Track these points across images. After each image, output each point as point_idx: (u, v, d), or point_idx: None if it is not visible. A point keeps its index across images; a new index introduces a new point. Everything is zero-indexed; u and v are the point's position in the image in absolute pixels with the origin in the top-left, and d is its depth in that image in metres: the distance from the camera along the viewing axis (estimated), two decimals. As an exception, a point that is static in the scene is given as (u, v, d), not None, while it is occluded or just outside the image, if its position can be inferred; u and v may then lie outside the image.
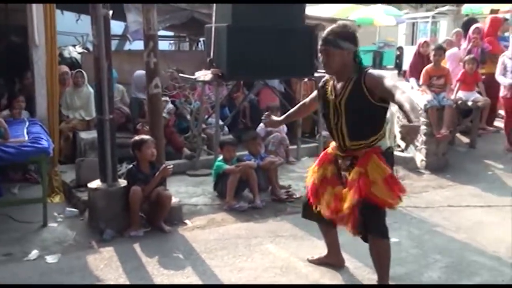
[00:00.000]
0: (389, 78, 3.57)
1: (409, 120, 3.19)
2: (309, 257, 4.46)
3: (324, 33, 3.71)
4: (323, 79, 3.94)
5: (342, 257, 4.36)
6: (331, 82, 3.80)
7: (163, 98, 7.74)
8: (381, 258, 3.78)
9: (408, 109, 3.23)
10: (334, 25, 3.70)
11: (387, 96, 3.47)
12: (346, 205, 3.65)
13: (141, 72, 7.39)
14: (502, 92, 7.92)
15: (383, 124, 3.76)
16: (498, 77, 7.94)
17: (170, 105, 7.82)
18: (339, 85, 3.71)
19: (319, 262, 4.38)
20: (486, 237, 4.98)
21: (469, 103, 7.99)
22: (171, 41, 14.82)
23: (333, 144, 3.91)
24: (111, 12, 5.18)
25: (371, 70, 3.63)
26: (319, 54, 3.77)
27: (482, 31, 8.82)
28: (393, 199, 3.60)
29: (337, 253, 4.33)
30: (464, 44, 8.96)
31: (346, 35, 3.63)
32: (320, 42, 3.71)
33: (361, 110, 3.60)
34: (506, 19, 9.76)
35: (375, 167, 3.59)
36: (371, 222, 3.63)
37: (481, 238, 4.94)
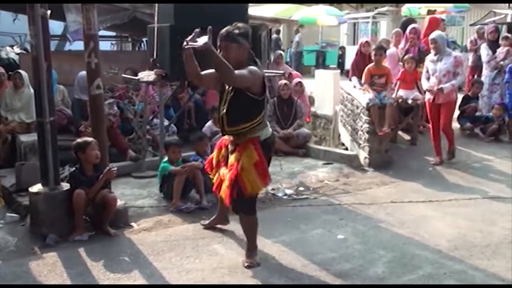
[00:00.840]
0: (253, 76, 4.10)
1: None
2: (201, 222, 5.25)
3: (222, 31, 4.19)
4: None
5: (228, 218, 5.12)
6: None
7: (110, 100, 7.63)
8: (248, 230, 4.47)
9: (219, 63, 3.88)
10: (230, 26, 4.23)
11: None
12: (224, 185, 4.32)
13: (84, 73, 7.22)
14: (426, 97, 7.71)
15: (258, 114, 4.25)
16: (422, 81, 7.70)
17: (115, 107, 7.68)
18: None
19: (210, 225, 5.16)
20: (428, 231, 5.12)
21: (409, 101, 8.22)
22: (113, 42, 14.56)
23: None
24: (49, 12, 5.03)
25: (252, 65, 4.16)
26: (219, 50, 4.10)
27: (419, 31, 9.07)
28: (259, 184, 4.27)
29: (224, 216, 5.12)
30: (402, 44, 9.19)
31: (243, 33, 4.18)
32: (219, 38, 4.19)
33: (238, 100, 4.15)
34: (443, 20, 10.08)
35: (249, 155, 4.20)
36: (239, 203, 4.31)
37: (423, 232, 5.09)
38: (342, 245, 4.82)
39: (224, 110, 4.23)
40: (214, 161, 4.68)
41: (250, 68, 4.11)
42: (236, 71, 3.95)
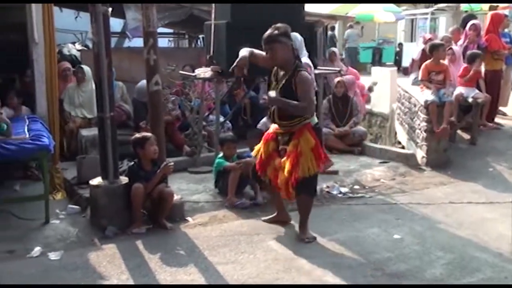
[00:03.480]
0: (311, 88, 4.68)
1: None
2: (262, 218, 5.29)
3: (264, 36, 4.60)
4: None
5: (288, 214, 5.22)
6: (274, 69, 4.74)
7: (171, 97, 7.76)
8: (305, 210, 4.83)
9: (292, 104, 4.49)
10: (269, 29, 4.63)
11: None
12: (284, 172, 4.64)
13: (145, 82, 7.37)
14: None
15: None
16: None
17: (178, 110, 7.83)
18: (281, 73, 4.67)
19: (271, 220, 5.23)
20: (488, 233, 4.97)
21: (470, 100, 7.98)
22: (170, 38, 14.80)
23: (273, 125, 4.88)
24: (110, 10, 5.16)
25: (303, 72, 4.58)
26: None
27: (479, 28, 8.80)
28: (316, 166, 4.66)
29: (283, 211, 5.22)
30: (461, 41, 8.95)
31: (283, 32, 4.58)
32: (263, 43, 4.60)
33: (287, 98, 4.53)
34: (506, 15, 9.74)
35: (306, 140, 4.60)
36: (299, 185, 4.61)
37: (483, 235, 4.94)
38: (399, 245, 4.74)
39: (275, 107, 4.65)
40: (263, 156, 4.87)
41: (305, 80, 4.56)
42: (304, 102, 4.49)
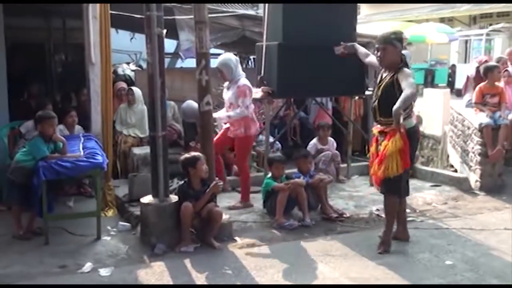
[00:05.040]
0: (411, 77, 4.80)
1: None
2: (378, 234, 5.27)
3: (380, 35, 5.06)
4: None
5: (407, 232, 5.31)
6: (381, 71, 5.09)
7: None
8: (388, 211, 5.05)
9: (401, 99, 4.59)
10: (387, 31, 5.23)
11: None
12: (373, 169, 5.04)
13: (187, 102, 7.51)
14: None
15: (406, 108, 4.82)
16: None
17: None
18: (385, 74, 5.01)
19: (391, 236, 5.21)
20: (545, 260, 4.79)
21: (527, 122, 7.74)
22: (222, 59, 14.96)
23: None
24: (165, 31, 5.28)
25: (405, 68, 4.88)
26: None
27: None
28: (400, 168, 4.83)
29: (402, 228, 5.30)
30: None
31: (398, 37, 4.95)
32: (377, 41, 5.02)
33: (389, 94, 4.82)
34: None
35: (396, 141, 4.78)
36: (384, 185, 4.96)
37: (540, 262, 4.76)
38: (450, 271, 4.61)
39: (376, 102, 5.00)
40: (372, 158, 5.23)
41: (407, 72, 4.82)
42: (410, 89, 4.66)
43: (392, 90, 4.85)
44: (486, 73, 7.65)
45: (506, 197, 6.81)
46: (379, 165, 4.91)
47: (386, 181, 4.92)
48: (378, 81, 5.13)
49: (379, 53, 4.95)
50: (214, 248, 5.08)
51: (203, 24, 5.53)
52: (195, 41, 5.60)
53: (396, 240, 5.21)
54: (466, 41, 20.81)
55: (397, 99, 4.67)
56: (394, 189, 4.97)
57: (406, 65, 4.96)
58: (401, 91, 4.72)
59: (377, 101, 5.02)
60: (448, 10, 23.03)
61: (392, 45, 4.88)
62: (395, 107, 4.56)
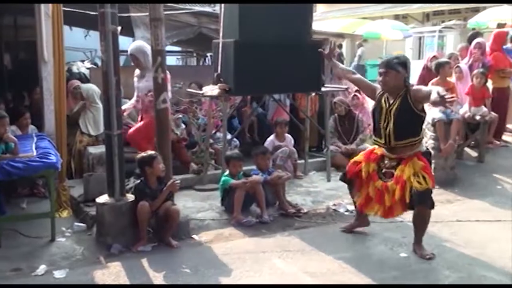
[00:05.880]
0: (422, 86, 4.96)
1: (441, 96, 4.40)
2: (340, 227, 5.52)
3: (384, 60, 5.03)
4: (379, 91, 5.02)
5: (368, 220, 5.41)
6: (385, 95, 4.94)
7: (178, 115, 7.80)
8: (422, 224, 4.89)
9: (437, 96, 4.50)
10: (392, 56, 5.20)
11: (426, 100, 4.70)
12: (396, 197, 4.81)
13: None
14: None
15: (421, 129, 4.96)
16: None
17: (182, 125, 7.85)
18: (391, 100, 4.88)
19: (351, 227, 5.46)
20: (495, 252, 4.93)
21: (477, 117, 7.97)
22: (179, 56, 14.90)
23: (378, 146, 5.06)
24: (119, 28, 5.22)
25: (414, 87, 4.96)
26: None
27: (484, 46, 8.81)
28: (431, 181, 4.75)
29: (365, 218, 5.40)
30: (466, 59, 8.95)
31: (401, 62, 4.88)
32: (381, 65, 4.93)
33: (406, 116, 4.79)
34: (508, 33, 9.76)
35: (415, 163, 4.78)
36: (417, 198, 4.71)
37: (491, 253, 4.90)
38: (405, 263, 4.71)
39: (392, 126, 4.83)
40: (363, 175, 5.09)
41: (419, 87, 4.98)
42: (431, 94, 4.57)
43: (408, 110, 4.80)
44: (437, 69, 7.84)
45: (458, 190, 6.99)
46: (402, 190, 4.77)
47: (416, 194, 4.70)
48: (383, 105, 4.94)
49: (381, 78, 4.89)
50: (172, 247, 5.05)
51: (159, 21, 5.47)
52: (151, 38, 5.55)
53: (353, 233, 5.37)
54: (420, 38, 21.19)
55: (415, 118, 4.80)
56: (425, 200, 4.77)
57: (408, 89, 4.88)
58: (419, 108, 4.82)
59: (391, 126, 4.85)
60: (401, 8, 23.48)
61: (394, 70, 4.82)
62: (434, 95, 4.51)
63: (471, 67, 8.54)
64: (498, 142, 8.57)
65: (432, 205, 4.83)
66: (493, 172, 7.61)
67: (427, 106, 7.69)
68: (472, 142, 8.41)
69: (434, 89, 4.62)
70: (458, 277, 4.41)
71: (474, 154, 8.33)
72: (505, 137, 8.94)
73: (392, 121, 4.84)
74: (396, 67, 4.83)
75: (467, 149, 8.39)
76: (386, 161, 4.99)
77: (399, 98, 4.84)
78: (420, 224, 4.89)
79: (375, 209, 5.08)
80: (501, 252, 4.92)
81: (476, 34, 10.15)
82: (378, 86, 5.11)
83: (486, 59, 8.62)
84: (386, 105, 4.91)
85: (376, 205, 5.05)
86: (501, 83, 8.67)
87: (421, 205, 4.76)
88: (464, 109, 8.04)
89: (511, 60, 8.94)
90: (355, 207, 5.44)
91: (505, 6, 16.96)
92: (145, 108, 6.56)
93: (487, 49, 8.84)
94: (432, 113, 7.48)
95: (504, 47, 9.14)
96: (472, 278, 4.40)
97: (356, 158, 5.31)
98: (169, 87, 6.10)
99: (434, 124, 7.36)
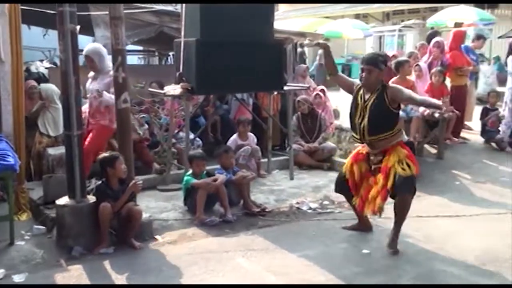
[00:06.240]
0: (403, 88, 5.01)
1: (437, 107, 4.94)
2: (342, 226, 5.58)
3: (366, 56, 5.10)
4: (356, 85, 5.08)
5: (370, 224, 5.48)
6: (361, 91, 5.00)
7: (141, 115, 7.72)
8: (402, 211, 4.94)
9: (431, 102, 4.97)
10: (373, 53, 5.35)
11: (410, 102, 4.94)
12: (380, 185, 4.89)
13: None
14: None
15: (396, 123, 4.96)
16: None
17: (145, 125, 7.78)
18: (367, 95, 4.94)
19: (352, 228, 5.50)
20: (455, 246, 5.04)
21: (436, 115, 8.12)
22: (140, 56, 14.75)
23: (355, 141, 5.20)
24: (78, 27, 5.14)
25: (391, 84, 5.12)
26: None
27: (443, 45, 8.99)
28: (414, 168, 4.85)
29: (366, 221, 5.45)
30: (425, 57, 9.12)
31: (383, 60, 4.98)
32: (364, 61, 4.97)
33: (380, 112, 4.85)
34: (466, 32, 10.00)
35: (399, 151, 4.88)
36: (399, 185, 4.79)
37: (451, 248, 5.01)
38: (367, 260, 4.78)
39: (365, 122, 4.89)
40: (356, 177, 5.12)
41: (398, 87, 5.01)
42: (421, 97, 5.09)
43: (383, 106, 4.86)
44: (397, 68, 7.97)
45: (418, 186, 6.96)
46: (385, 178, 4.85)
47: (400, 180, 4.77)
48: (359, 101, 5.00)
49: (363, 74, 4.91)
50: (135, 248, 4.99)
51: (119, 20, 5.40)
52: (111, 37, 5.48)
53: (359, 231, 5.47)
54: (380, 37, 21.51)
55: (389, 113, 4.86)
56: (409, 187, 4.85)
57: (385, 86, 4.97)
58: (394, 106, 4.88)
59: (365, 121, 4.91)
60: (362, 7, 23.79)
61: (378, 68, 4.88)
62: (421, 97, 4.84)
63: (430, 66, 8.71)
64: (456, 139, 8.76)
65: (414, 192, 4.92)
66: (452, 169, 7.77)
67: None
68: (431, 139, 8.57)
69: (417, 96, 4.84)
70: (418, 272, 4.49)
71: (433, 151, 8.49)
72: (463, 134, 9.14)
73: (366, 117, 4.90)
74: (380, 65, 4.90)
75: (426, 146, 8.54)
76: (372, 157, 5.05)
77: (375, 94, 4.89)
78: (400, 211, 4.94)
79: (367, 207, 5.13)
80: (460, 246, 5.04)
81: (435, 33, 10.36)
82: (355, 81, 5.21)
83: (445, 58, 8.80)
84: (361, 101, 4.97)
85: (366, 202, 5.11)
86: (459, 81, 8.85)
87: (404, 191, 4.83)
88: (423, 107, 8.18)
89: (468, 59, 9.15)
90: (355, 211, 5.41)
91: (462, 6, 17.37)
92: (92, 111, 6.37)
93: (446, 47, 9.02)
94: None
95: (462, 46, 9.34)
96: (432, 272, 4.49)
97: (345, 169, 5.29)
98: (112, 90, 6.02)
99: (394, 122, 7.45)
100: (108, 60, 6.10)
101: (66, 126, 5.12)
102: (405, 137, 5.06)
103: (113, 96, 5.95)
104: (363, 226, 5.47)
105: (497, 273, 4.45)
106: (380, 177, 4.91)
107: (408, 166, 4.81)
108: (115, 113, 5.64)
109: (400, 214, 4.95)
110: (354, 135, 5.10)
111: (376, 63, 4.89)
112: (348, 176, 5.19)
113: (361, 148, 5.18)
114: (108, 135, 6.49)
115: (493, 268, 4.54)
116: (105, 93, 6.07)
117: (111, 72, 5.96)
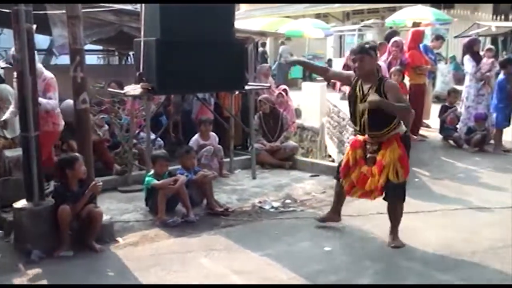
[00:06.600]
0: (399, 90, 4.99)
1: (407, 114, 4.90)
2: (315, 217, 5.67)
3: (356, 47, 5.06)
4: (354, 77, 5.08)
5: (339, 216, 5.55)
6: (359, 82, 4.98)
7: (101, 116, 7.61)
8: (396, 215, 5.09)
9: (397, 104, 4.72)
10: (362, 42, 5.48)
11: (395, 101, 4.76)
12: (372, 179, 5.00)
13: (66, 101, 7.16)
14: None
15: (395, 117, 4.88)
16: None
17: (105, 126, 7.67)
18: (366, 86, 4.92)
19: (323, 218, 5.59)
20: (414, 242, 5.12)
21: (395, 113, 8.24)
22: (100, 55, 14.56)
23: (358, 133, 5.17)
24: (34, 26, 5.03)
25: (389, 80, 5.05)
26: None
27: (401, 44, 9.14)
28: (403, 174, 4.94)
29: (337, 212, 5.54)
30: (384, 56, 9.26)
31: (373, 47, 4.98)
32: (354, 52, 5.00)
33: (379, 109, 4.75)
34: (424, 31, 10.20)
35: (394, 150, 4.90)
36: (389, 191, 4.97)
37: (410, 243, 5.09)
38: (329, 257, 4.82)
39: (366, 117, 4.90)
40: (351, 162, 5.19)
41: (394, 85, 4.99)
42: (403, 103, 4.82)
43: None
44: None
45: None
46: (380, 174, 4.93)
47: (394, 187, 4.92)
48: (358, 93, 5.00)
49: (356, 64, 4.93)
50: (95, 251, 4.92)
51: (76, 19, 5.31)
52: (68, 36, 5.38)
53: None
54: (341, 36, 21.74)
55: (388, 114, 4.82)
56: (401, 194, 5.02)
57: (379, 73, 5.01)
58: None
59: (365, 117, 4.92)
60: (322, 6, 24.02)
61: (369, 55, 4.89)
62: (386, 103, 4.69)
63: (389, 65, 8.84)
64: (415, 137, 8.90)
65: (404, 197, 5.06)
66: (411, 166, 7.76)
67: (347, 103, 7.99)
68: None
69: (400, 105, 4.73)
70: (379, 268, 4.55)
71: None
72: (422, 131, 9.32)
73: (366, 112, 4.91)
74: (369, 51, 4.91)
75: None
76: (368, 146, 5.09)
77: (374, 87, 4.88)
78: (394, 216, 5.09)
79: (358, 193, 5.26)
80: (420, 242, 5.12)
81: (393, 32, 10.53)
82: (351, 73, 5.22)
83: (404, 57, 8.94)
84: (360, 93, 4.97)
85: (358, 188, 5.21)
86: (418, 80, 9.01)
87: (394, 199, 5.01)
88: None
89: (427, 58, 9.34)
90: (336, 196, 5.52)
91: (419, 6, 17.72)
92: None
93: (405, 47, 9.17)
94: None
95: (421, 45, 9.52)
96: (393, 268, 4.57)
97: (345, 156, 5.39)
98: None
99: (354, 121, 7.54)
100: (39, 63, 5.96)
101: (23, 127, 5.01)
102: (404, 128, 5.05)
103: (51, 101, 5.90)
104: (334, 215, 5.54)
105: (455, 267, 4.55)
106: (375, 170, 4.99)
107: (398, 173, 4.90)
108: (74, 114, 5.54)
109: (394, 219, 5.12)
110: (354, 126, 5.19)
111: (366, 50, 4.92)
112: (344, 160, 5.31)
113: (359, 135, 5.26)
114: (54, 139, 6.43)
115: (451, 263, 4.64)
116: (40, 99, 5.92)
117: (45, 75, 5.99)
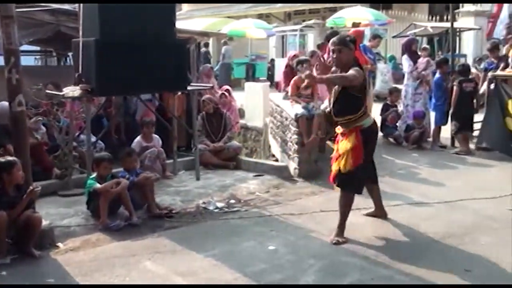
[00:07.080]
0: (356, 72, 4.95)
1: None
2: (363, 213, 5.81)
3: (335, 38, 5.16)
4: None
5: (385, 210, 5.76)
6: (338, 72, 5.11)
7: (38, 118, 7.40)
8: (342, 206, 5.21)
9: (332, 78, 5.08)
10: (340, 34, 5.76)
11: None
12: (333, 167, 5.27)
13: (2, 103, 6.93)
14: None
15: (360, 108, 5.07)
16: None
17: (43, 128, 7.47)
18: None
19: (369, 214, 5.79)
20: (356, 238, 5.22)
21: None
22: (37, 56, 14.16)
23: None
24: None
25: (355, 67, 5.01)
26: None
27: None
28: (351, 164, 5.05)
29: (379, 207, 5.74)
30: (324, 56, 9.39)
31: (352, 39, 5.19)
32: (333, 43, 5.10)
33: (344, 97, 5.07)
34: (363, 31, 10.43)
35: (350, 140, 5.06)
36: (338, 179, 5.19)
37: (352, 240, 5.19)
38: (273, 256, 4.86)
39: (332, 104, 5.19)
40: (335, 155, 5.32)
41: (356, 69, 4.96)
42: (348, 74, 4.90)
43: (346, 90, 5.03)
44: (298, 67, 8.15)
45: (321, 182, 7.31)
46: (335, 161, 5.17)
47: (339, 176, 5.14)
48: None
49: (334, 54, 5.06)
50: (35, 257, 4.79)
51: (10, 19, 5.15)
52: (2, 37, 5.21)
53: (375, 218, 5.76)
54: (283, 37, 21.91)
55: (350, 99, 5.02)
56: (346, 184, 5.16)
57: (359, 66, 5.09)
58: (352, 91, 5.00)
59: (333, 103, 5.18)
60: (264, 7, 24.18)
61: (347, 47, 5.03)
62: (326, 76, 4.99)
63: (330, 65, 8.96)
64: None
65: (350, 189, 5.18)
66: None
67: (289, 103, 8.09)
68: (333, 136, 8.83)
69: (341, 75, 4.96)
70: (322, 265, 4.62)
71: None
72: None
73: (336, 99, 5.15)
74: (348, 44, 5.07)
75: (329, 143, 8.79)
76: (340, 136, 5.28)
77: None
78: (340, 205, 5.23)
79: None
80: (361, 238, 5.23)
81: (334, 32, 10.68)
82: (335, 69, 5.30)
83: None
84: (336, 86, 5.16)
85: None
86: (358, 79, 9.18)
87: (342, 188, 5.19)
88: (325, 104, 8.42)
89: (366, 58, 9.52)
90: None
91: (358, 7, 18.09)
92: None
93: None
94: (295, 109, 7.78)
95: (361, 45, 9.70)
96: (335, 264, 4.64)
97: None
98: None
99: (297, 120, 7.64)
100: None
101: (-45, 132, 4.82)
102: (368, 123, 5.16)
103: None
104: (377, 211, 5.78)
105: (395, 262, 4.65)
106: (335, 157, 5.22)
107: (345, 163, 5.05)
108: (10, 117, 5.38)
109: (340, 209, 5.23)
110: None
111: (345, 42, 5.06)
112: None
113: (337, 129, 5.40)
114: None
115: (391, 258, 4.74)
116: None
117: None
